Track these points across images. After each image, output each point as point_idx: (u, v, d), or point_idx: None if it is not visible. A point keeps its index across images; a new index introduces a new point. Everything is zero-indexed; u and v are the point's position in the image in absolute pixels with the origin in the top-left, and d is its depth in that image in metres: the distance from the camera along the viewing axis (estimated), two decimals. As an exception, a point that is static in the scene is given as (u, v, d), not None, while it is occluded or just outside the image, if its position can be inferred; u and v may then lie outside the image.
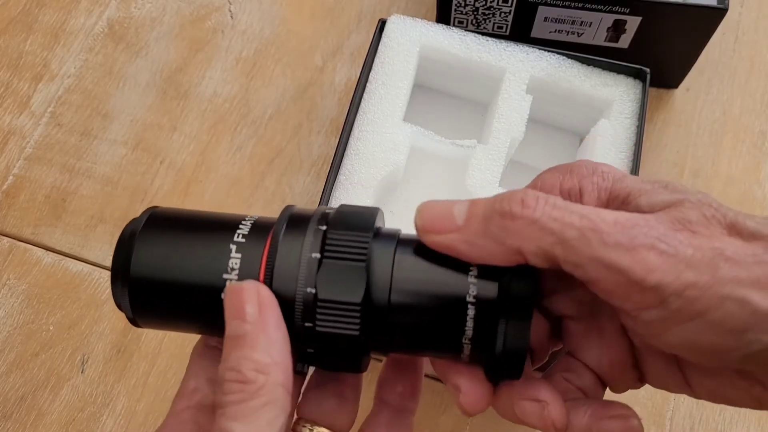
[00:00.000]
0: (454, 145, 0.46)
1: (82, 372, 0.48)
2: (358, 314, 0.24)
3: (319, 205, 0.43)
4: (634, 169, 0.44)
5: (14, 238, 0.51)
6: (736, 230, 0.23)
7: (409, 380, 0.29)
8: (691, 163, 0.53)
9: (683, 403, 0.46)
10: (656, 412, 0.46)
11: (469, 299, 0.24)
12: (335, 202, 0.44)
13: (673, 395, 0.46)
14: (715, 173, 0.53)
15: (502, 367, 0.25)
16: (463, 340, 0.24)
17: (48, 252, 0.51)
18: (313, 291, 0.24)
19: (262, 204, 0.52)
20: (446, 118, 0.52)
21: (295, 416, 0.28)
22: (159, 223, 0.26)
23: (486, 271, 0.24)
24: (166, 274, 0.25)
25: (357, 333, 0.24)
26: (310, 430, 0.28)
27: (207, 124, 0.55)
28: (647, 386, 0.49)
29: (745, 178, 0.53)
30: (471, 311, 0.24)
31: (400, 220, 0.47)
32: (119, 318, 0.49)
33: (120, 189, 0.53)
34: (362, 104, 0.46)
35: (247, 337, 0.24)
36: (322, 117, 0.55)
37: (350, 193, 0.44)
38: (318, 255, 0.24)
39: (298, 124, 0.55)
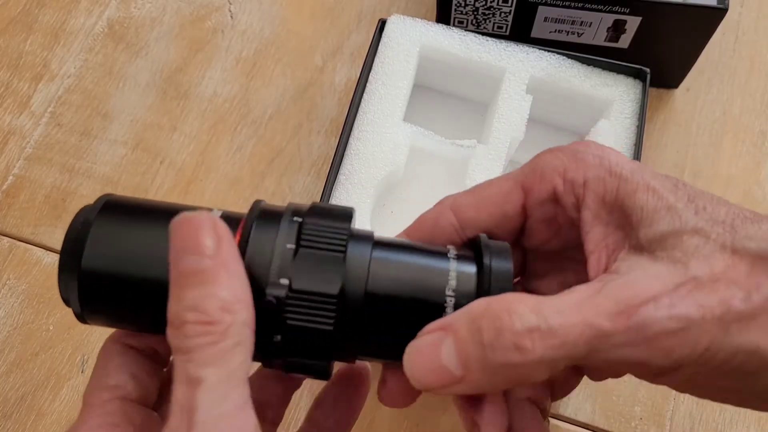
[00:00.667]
0: (454, 145, 0.46)
1: (82, 372, 0.48)
2: (333, 307, 0.23)
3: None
4: (634, 169, 0.44)
5: (14, 238, 0.51)
6: (740, 255, 0.22)
7: (349, 406, 0.28)
8: (691, 163, 0.53)
9: (683, 402, 0.46)
10: (656, 412, 0.46)
11: (447, 308, 0.23)
12: (335, 202, 0.44)
13: (673, 395, 0.46)
14: (715, 173, 0.53)
15: None
16: None
17: (48, 252, 0.51)
18: (287, 281, 0.23)
19: (262, 204, 0.52)
20: (446, 118, 0.52)
21: None
22: (114, 211, 0.24)
23: (463, 271, 0.24)
24: (122, 267, 0.23)
25: (330, 328, 0.23)
26: None
27: (207, 124, 0.55)
28: (647, 386, 0.49)
29: (745, 178, 0.53)
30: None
31: (399, 220, 0.47)
32: (119, 318, 0.49)
33: (120, 189, 0.53)
34: (362, 104, 0.46)
35: (207, 272, 0.21)
36: (322, 117, 0.55)
37: (350, 193, 0.44)
38: (293, 246, 0.23)
39: (298, 124, 0.55)
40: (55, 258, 0.51)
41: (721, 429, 0.46)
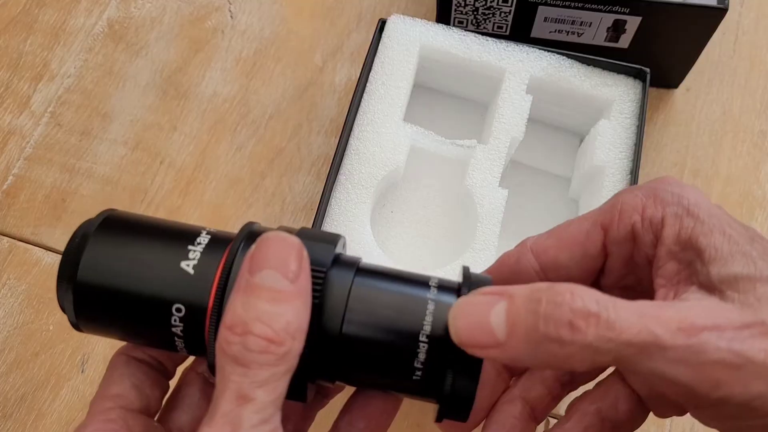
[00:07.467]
0: (454, 145, 0.46)
1: (82, 372, 0.48)
2: (321, 280, 0.23)
3: (319, 205, 0.43)
4: (635, 169, 0.44)
5: (14, 238, 0.51)
6: None
7: (383, 410, 0.28)
8: (691, 163, 0.53)
9: (683, 403, 0.46)
10: (656, 412, 0.46)
11: (422, 338, 0.23)
12: (335, 202, 0.44)
13: (673, 395, 0.46)
14: (715, 173, 0.53)
15: (449, 409, 0.24)
16: (413, 377, 0.24)
17: (48, 252, 0.51)
18: None
19: (262, 204, 0.52)
20: (446, 118, 0.52)
21: None
22: (113, 226, 0.25)
23: (443, 302, 0.24)
24: (114, 281, 0.24)
25: (316, 301, 0.23)
26: None
27: (207, 124, 0.55)
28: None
29: (745, 178, 0.53)
30: (422, 352, 0.23)
31: (399, 220, 0.47)
32: (119, 318, 0.49)
33: (120, 189, 0.53)
34: (362, 104, 0.46)
35: (284, 293, 0.21)
36: (322, 117, 0.55)
37: (350, 193, 0.44)
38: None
39: (298, 124, 0.55)
40: (55, 258, 0.51)
41: (721, 429, 0.46)
